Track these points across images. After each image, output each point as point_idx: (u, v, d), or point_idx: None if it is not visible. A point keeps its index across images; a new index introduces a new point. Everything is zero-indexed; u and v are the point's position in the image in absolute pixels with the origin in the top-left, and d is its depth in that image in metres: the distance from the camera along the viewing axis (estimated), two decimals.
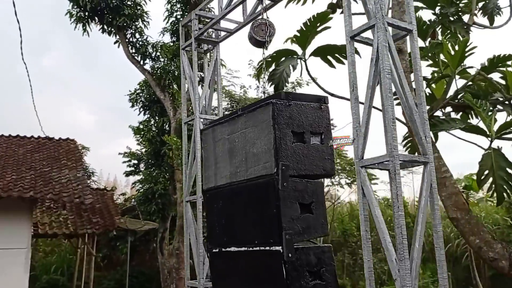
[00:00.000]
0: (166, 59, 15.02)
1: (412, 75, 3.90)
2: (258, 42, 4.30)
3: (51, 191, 12.03)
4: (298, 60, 6.87)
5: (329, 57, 6.80)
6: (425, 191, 3.14)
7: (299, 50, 6.68)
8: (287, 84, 7.29)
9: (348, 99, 3.32)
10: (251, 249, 3.28)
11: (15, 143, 14.80)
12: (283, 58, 7.00)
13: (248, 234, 3.32)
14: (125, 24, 14.31)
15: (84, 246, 17.45)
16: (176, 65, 14.73)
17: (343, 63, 6.43)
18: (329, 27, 6.32)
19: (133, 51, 14.97)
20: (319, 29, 6.09)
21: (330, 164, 3.30)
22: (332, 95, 5.76)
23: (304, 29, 6.25)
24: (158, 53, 14.95)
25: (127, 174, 17.87)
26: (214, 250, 3.66)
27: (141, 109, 15.78)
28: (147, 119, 15.81)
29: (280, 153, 3.09)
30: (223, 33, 5.60)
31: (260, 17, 4.39)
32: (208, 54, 5.95)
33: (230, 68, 17.45)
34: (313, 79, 7.53)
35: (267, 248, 3.11)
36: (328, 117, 3.47)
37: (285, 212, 2.95)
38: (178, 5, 14.76)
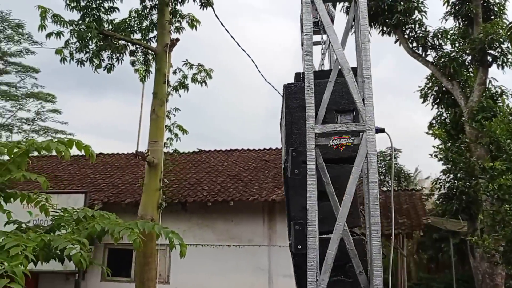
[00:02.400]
0: (451, 45, 13.93)
1: None
2: (316, 24, 3.73)
3: None
4: None
5: None
6: (356, 166, 2.15)
7: None
8: None
9: None
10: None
11: None
12: None
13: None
14: (401, 20, 14.02)
15: (402, 246, 17.61)
16: (459, 49, 13.41)
17: None
18: None
19: (414, 45, 14.46)
20: None
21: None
22: None
23: None
24: (440, 41, 13.94)
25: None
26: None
27: (433, 104, 14.92)
28: (439, 114, 14.81)
29: (290, 138, 2.71)
30: None
31: None
32: None
33: None
34: None
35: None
36: None
37: (296, 200, 2.59)
38: None
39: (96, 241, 13.40)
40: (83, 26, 8.90)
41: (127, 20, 10.10)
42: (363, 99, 2.37)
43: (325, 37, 4.24)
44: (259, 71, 11.96)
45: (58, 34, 8.79)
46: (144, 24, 10.18)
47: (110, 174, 15.65)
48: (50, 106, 33.99)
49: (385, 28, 14.72)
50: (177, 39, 9.59)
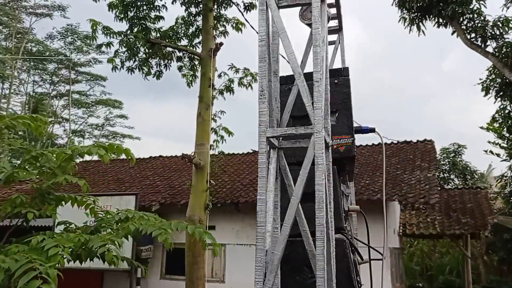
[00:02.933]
0: None
1: None
2: (309, 25, 3.60)
3: (397, 193, 12.54)
4: None
5: None
6: (304, 169, 2.13)
7: None
8: None
9: None
10: None
11: (376, 150, 16.15)
12: None
13: None
14: (457, 10, 13.39)
15: (466, 247, 16.75)
16: None
17: None
18: None
19: (472, 36, 13.73)
20: None
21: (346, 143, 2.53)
22: None
23: None
24: (501, 31, 13.14)
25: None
26: None
27: (496, 97, 14.07)
28: (502, 107, 13.92)
29: None
30: None
31: None
32: None
33: None
34: None
35: None
36: (345, 91, 2.69)
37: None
38: None
39: (155, 241, 13.96)
40: (131, 36, 9.34)
41: (174, 27, 10.44)
42: (312, 102, 2.35)
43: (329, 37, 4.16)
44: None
45: (108, 44, 9.31)
46: (190, 31, 10.47)
47: (168, 176, 16.22)
48: (118, 112, 35.95)
49: (440, 20, 14.11)
50: (221, 43, 9.78)
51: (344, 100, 2.98)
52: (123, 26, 11.58)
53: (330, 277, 2.30)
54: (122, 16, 9.47)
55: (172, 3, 10.00)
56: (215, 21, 10.14)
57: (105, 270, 13.54)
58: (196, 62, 10.51)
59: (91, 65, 33.64)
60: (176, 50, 10.21)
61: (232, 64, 10.30)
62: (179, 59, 10.47)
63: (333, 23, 3.92)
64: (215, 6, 10.14)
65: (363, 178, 13.77)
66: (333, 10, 3.74)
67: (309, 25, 3.68)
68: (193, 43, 10.63)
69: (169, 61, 10.31)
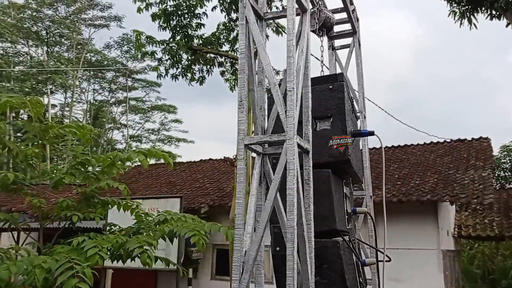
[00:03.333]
0: None
1: None
2: (313, 32, 3.55)
3: (448, 193, 12.10)
4: None
5: None
6: (277, 174, 2.30)
7: None
8: None
9: None
10: None
11: (428, 150, 15.66)
12: None
13: None
14: (511, 1, 12.76)
15: None
16: None
17: None
18: None
19: None
20: None
21: (339, 148, 2.57)
22: None
23: None
24: None
25: None
26: None
27: None
28: None
29: None
30: None
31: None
32: None
33: None
34: None
35: None
36: (340, 96, 2.72)
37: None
38: None
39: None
40: (173, 44, 9.69)
41: (216, 33, 10.69)
42: (285, 111, 2.41)
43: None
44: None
45: (152, 53, 9.71)
46: (232, 36, 10.69)
47: (217, 179, 16.56)
48: (172, 116, 37.14)
49: (493, 12, 13.49)
50: None
51: (338, 105, 3.01)
52: (167, 34, 11.98)
53: (306, 277, 2.37)
54: (165, 25, 9.84)
55: (212, 10, 10.26)
56: None
57: (158, 271, 14.05)
58: (237, 67, 10.69)
59: (146, 72, 35.02)
60: (217, 56, 10.45)
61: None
62: (220, 64, 10.71)
63: (347, 26, 3.93)
64: None
65: (413, 178, 13.40)
66: (342, 15, 3.74)
67: (313, 31, 3.73)
68: (235, 48, 10.82)
69: (211, 67, 10.57)
